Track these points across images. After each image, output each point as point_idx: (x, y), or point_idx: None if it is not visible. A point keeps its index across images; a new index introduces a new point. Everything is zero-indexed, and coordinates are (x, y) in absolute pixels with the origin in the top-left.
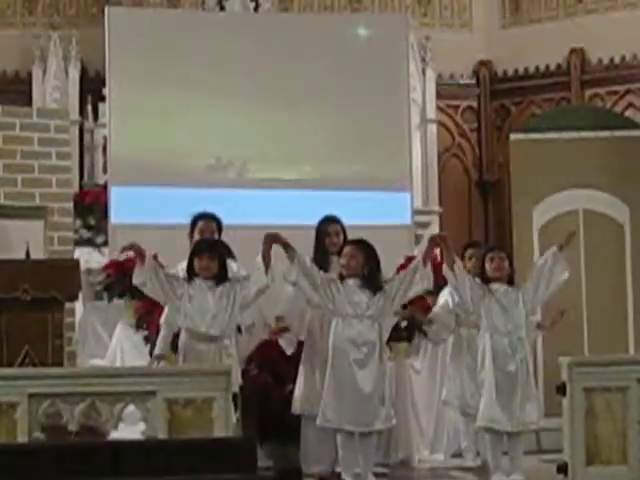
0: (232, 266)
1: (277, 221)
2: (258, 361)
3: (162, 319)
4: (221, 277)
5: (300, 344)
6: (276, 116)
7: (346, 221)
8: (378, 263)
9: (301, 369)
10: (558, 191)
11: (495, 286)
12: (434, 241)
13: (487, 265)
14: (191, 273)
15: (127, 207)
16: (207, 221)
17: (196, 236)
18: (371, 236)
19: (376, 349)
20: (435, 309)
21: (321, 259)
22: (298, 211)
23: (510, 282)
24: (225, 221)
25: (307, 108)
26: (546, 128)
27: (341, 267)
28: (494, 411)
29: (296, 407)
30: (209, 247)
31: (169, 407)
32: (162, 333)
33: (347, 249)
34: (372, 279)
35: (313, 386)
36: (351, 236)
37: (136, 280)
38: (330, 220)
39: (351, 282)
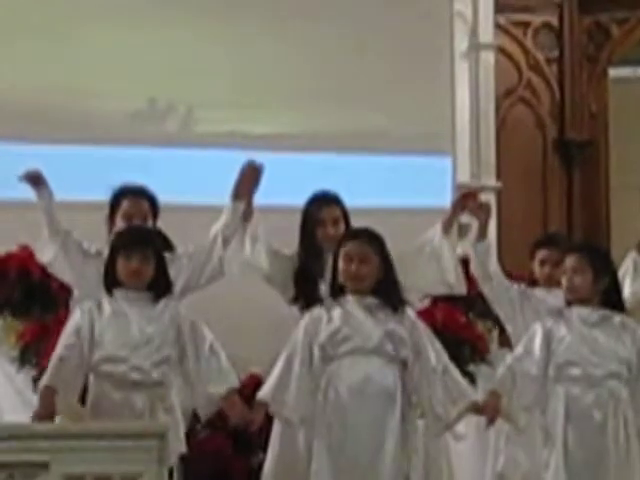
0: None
1: None
2: (212, 417)
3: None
4: (159, 287)
5: None
6: (243, 37)
7: (349, 201)
8: (392, 267)
9: (275, 431)
10: None
11: (578, 311)
12: (462, 201)
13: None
14: (111, 282)
15: (9, 175)
16: (136, 200)
17: (119, 223)
18: (389, 224)
19: (396, 402)
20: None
21: (310, 259)
22: (275, 184)
23: (608, 303)
24: (161, 198)
25: (292, 26)
26: None
27: (343, 274)
28: None
29: None
30: (140, 240)
31: None
32: (57, 353)
33: (354, 247)
34: (390, 292)
35: (294, 458)
36: (356, 224)
37: (45, 252)
38: (324, 200)
39: (355, 299)
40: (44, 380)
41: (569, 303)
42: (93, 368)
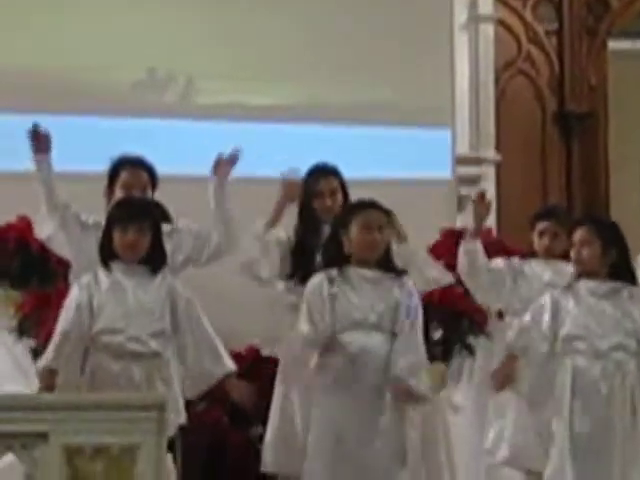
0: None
1: (242, 171)
2: (211, 390)
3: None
4: (156, 260)
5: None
6: (243, 8)
7: (348, 173)
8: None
9: (275, 406)
10: None
11: (586, 283)
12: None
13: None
14: (107, 254)
15: (10, 146)
16: (135, 170)
17: (118, 193)
18: (388, 196)
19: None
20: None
21: (307, 232)
22: (275, 155)
23: (617, 276)
24: (160, 170)
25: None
26: None
27: (361, 243)
28: None
29: (266, 462)
30: (137, 213)
31: (69, 458)
32: (59, 331)
33: (374, 216)
34: (391, 263)
35: (292, 432)
36: (355, 196)
37: (44, 229)
38: (321, 172)
39: (361, 272)
40: (45, 361)
41: (578, 276)
42: (92, 340)
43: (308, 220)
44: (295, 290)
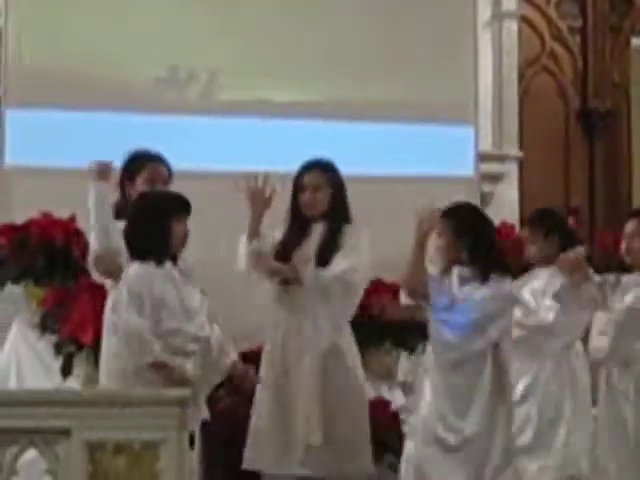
0: None
1: (262, 166)
2: (232, 384)
3: None
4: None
5: None
6: (267, 4)
7: (369, 169)
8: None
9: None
10: None
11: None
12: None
13: None
14: (165, 248)
15: (31, 141)
16: (159, 165)
17: (140, 187)
18: (411, 193)
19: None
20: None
21: (292, 229)
22: (296, 151)
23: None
24: (180, 166)
25: None
26: None
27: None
28: None
29: (244, 459)
30: (189, 206)
31: (90, 454)
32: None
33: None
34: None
35: (260, 428)
36: (378, 192)
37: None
38: (307, 167)
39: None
40: None
41: (629, 267)
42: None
43: (294, 216)
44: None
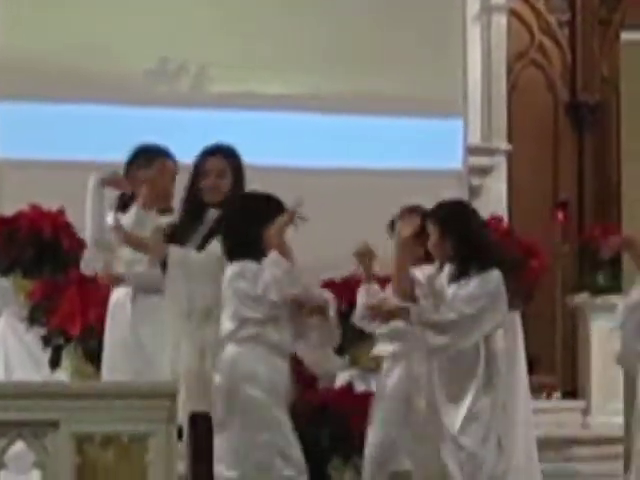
0: None
1: (254, 159)
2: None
3: None
4: None
5: None
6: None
7: (358, 162)
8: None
9: None
10: None
11: None
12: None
13: None
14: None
15: (21, 134)
16: (167, 159)
17: (149, 180)
18: (401, 185)
19: None
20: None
21: (188, 214)
22: (287, 144)
23: None
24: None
25: None
26: None
27: None
28: None
29: None
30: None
31: (79, 446)
32: None
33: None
34: None
35: None
36: (368, 185)
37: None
38: (210, 152)
39: None
40: None
41: None
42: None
43: (190, 201)
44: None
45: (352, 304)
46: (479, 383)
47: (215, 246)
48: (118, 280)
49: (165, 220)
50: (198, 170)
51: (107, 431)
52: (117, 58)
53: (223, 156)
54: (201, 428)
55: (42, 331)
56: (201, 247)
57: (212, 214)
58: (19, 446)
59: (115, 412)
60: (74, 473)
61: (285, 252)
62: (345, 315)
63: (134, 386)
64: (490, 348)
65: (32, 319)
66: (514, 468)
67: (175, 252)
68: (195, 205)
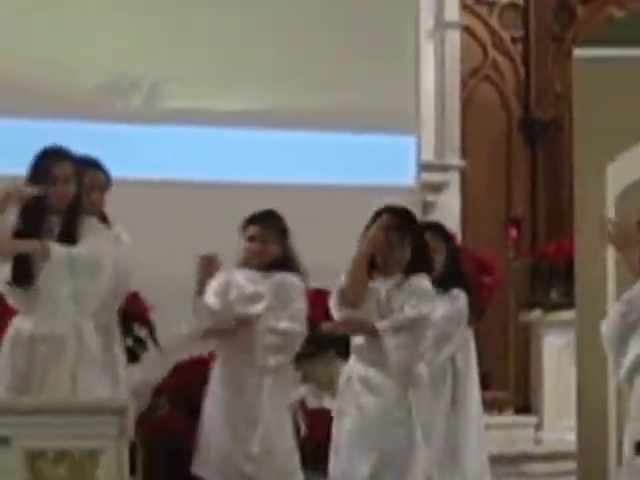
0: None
1: (206, 176)
2: (172, 393)
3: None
4: None
5: None
6: (210, 13)
7: (311, 178)
8: None
9: None
10: None
11: None
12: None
13: None
14: None
15: None
16: (95, 171)
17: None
18: (353, 202)
19: None
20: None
21: (29, 220)
22: (237, 161)
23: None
24: (118, 172)
25: (261, 4)
26: (631, 41)
27: None
28: None
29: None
30: None
31: (30, 462)
32: None
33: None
34: None
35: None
36: (321, 202)
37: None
38: (56, 156)
39: None
40: None
41: None
42: None
43: (32, 208)
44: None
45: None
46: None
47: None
48: None
49: None
50: (45, 176)
51: (59, 447)
52: (69, 73)
53: (72, 163)
54: None
55: None
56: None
57: (54, 220)
58: None
59: (67, 428)
60: None
61: None
62: None
63: (86, 402)
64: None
65: None
66: None
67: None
68: (35, 211)
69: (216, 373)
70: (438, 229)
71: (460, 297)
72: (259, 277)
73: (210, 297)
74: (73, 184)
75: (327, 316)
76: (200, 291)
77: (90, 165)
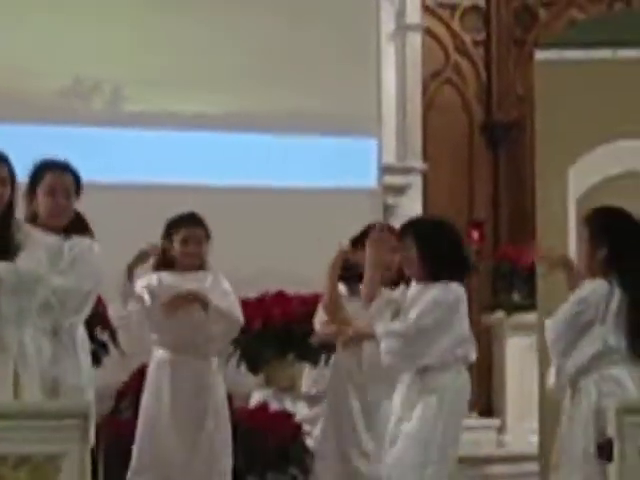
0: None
1: (167, 179)
2: (134, 396)
3: None
4: None
5: None
6: (173, 17)
7: (275, 181)
8: None
9: None
10: (610, 140)
11: None
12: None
13: None
14: None
15: None
16: (61, 174)
17: (42, 200)
18: (315, 204)
19: None
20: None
21: None
22: (200, 164)
23: None
24: (85, 176)
25: (225, 8)
26: (593, 43)
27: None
28: None
29: None
30: None
31: None
32: None
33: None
34: None
35: None
36: (281, 204)
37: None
38: None
39: None
40: None
41: None
42: None
43: None
44: None
45: (265, 322)
46: None
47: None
48: None
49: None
50: None
51: (20, 452)
52: (31, 76)
53: (6, 164)
54: None
55: None
56: None
57: None
58: None
59: (27, 432)
60: None
61: None
62: (260, 334)
63: (47, 406)
64: None
65: None
66: None
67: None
68: None
69: None
70: (394, 231)
71: None
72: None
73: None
74: (8, 187)
75: (285, 315)
76: (130, 276)
77: (53, 168)
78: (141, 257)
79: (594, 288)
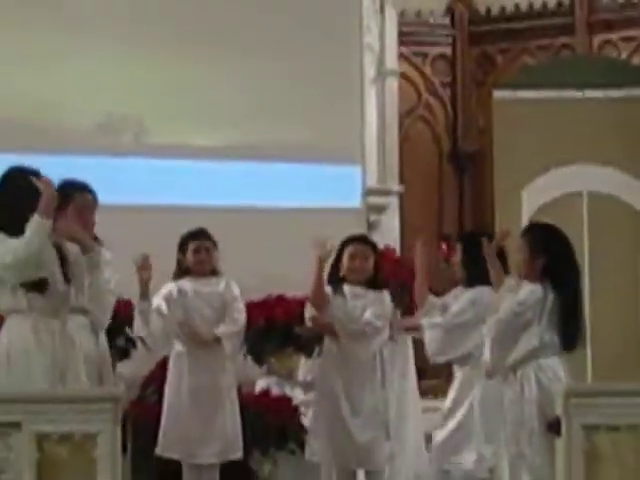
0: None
1: (183, 200)
2: (159, 384)
3: None
4: None
5: None
6: (187, 63)
7: (274, 202)
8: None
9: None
10: (556, 167)
11: None
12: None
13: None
14: None
15: None
16: (85, 193)
17: (70, 214)
18: (308, 223)
19: None
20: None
21: None
22: (211, 188)
23: None
24: (107, 199)
25: (228, 54)
26: (542, 84)
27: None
28: None
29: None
30: None
31: (38, 444)
32: None
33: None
34: None
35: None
36: (280, 223)
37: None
38: None
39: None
40: None
41: None
42: None
43: None
44: None
45: (268, 321)
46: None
47: None
48: None
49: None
50: None
51: (62, 430)
52: (66, 112)
53: None
54: None
55: None
56: None
57: None
58: None
59: (69, 414)
60: (35, 467)
61: None
62: (264, 331)
63: (84, 392)
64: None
65: None
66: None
67: None
68: None
69: None
70: (366, 240)
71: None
72: None
73: (159, 300)
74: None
75: (286, 315)
76: (144, 293)
77: (79, 188)
78: (140, 274)
79: (532, 292)
